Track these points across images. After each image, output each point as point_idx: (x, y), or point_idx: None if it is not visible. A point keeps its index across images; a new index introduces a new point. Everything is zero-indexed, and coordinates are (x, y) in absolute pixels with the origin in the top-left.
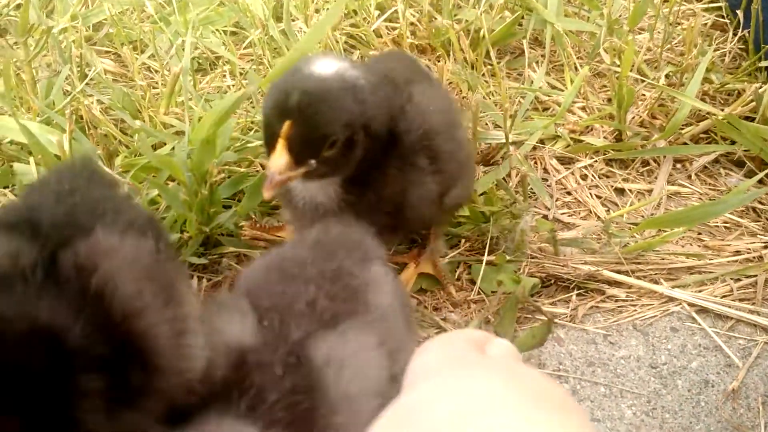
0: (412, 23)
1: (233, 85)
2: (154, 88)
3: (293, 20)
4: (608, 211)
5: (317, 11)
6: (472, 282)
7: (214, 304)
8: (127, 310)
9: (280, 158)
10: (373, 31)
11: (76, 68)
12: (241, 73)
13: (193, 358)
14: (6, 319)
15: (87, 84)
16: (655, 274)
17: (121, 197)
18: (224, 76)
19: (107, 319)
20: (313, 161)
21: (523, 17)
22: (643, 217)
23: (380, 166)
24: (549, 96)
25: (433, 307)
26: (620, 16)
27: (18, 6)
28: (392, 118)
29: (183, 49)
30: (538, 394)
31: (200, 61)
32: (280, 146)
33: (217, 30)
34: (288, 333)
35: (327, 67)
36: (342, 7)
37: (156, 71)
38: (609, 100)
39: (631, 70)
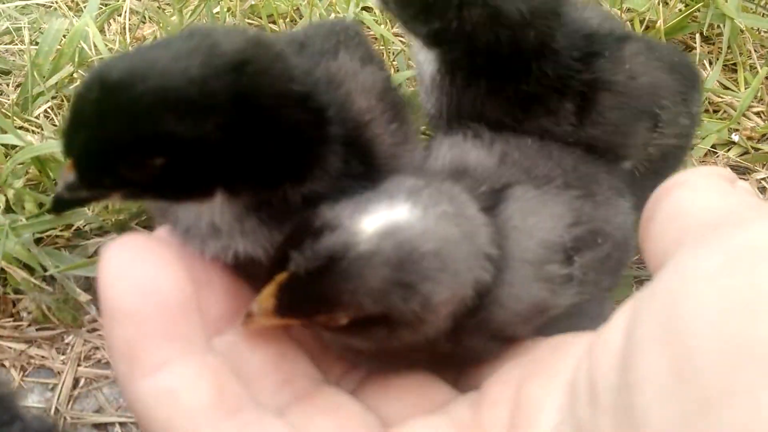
0: None
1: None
2: None
3: None
4: None
5: None
6: None
7: None
8: (360, 120)
9: None
10: None
11: None
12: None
13: (407, 163)
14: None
15: None
16: None
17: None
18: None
19: (346, 123)
20: None
21: (699, 10)
22: None
23: None
24: (722, 97)
25: None
26: None
27: None
28: None
29: None
30: None
31: None
32: None
33: (369, 8)
34: None
35: None
36: None
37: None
38: None
39: None
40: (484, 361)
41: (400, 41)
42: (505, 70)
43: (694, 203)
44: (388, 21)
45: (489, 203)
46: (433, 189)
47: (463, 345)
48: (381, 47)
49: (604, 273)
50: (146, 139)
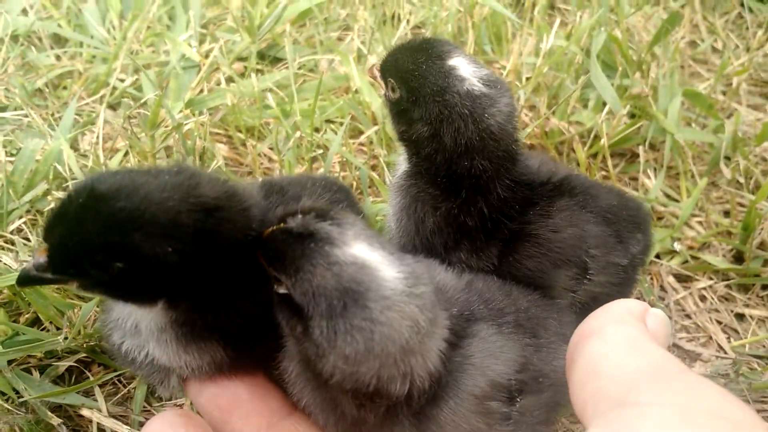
0: (524, 123)
1: (344, 177)
2: (267, 175)
3: None
4: (729, 338)
5: None
6: None
7: None
8: None
9: None
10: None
11: (198, 158)
12: (355, 168)
13: None
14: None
15: None
16: None
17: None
18: (336, 167)
19: None
20: None
21: (642, 125)
22: (765, 347)
23: None
24: (665, 207)
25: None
26: (744, 131)
27: (135, 82)
28: None
29: (300, 145)
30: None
31: (314, 153)
32: None
33: (332, 121)
34: None
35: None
36: None
37: (270, 159)
38: (726, 213)
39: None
40: None
41: (361, 161)
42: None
43: (605, 363)
44: (350, 139)
45: (458, 329)
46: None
47: None
48: (345, 170)
49: (540, 413)
50: (113, 246)
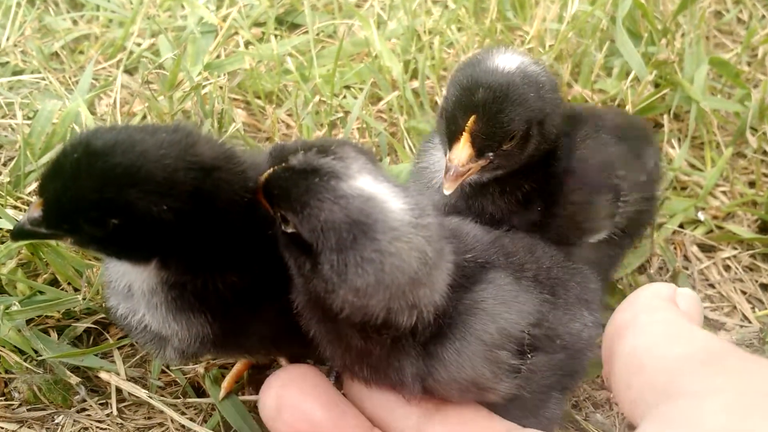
0: None
1: (363, 142)
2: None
3: (426, 79)
4: (753, 308)
5: (445, 68)
6: None
7: None
8: None
9: (463, 151)
10: None
11: (216, 122)
12: (374, 134)
13: None
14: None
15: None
16: None
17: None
18: (355, 133)
19: None
20: (491, 154)
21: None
22: None
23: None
24: (689, 176)
25: (572, 404)
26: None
27: (152, 46)
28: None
29: (319, 110)
30: None
31: (334, 117)
32: (464, 139)
33: (351, 87)
34: None
35: (510, 61)
36: None
37: (288, 125)
38: (752, 183)
39: None
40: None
41: (381, 125)
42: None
43: (647, 355)
44: (369, 104)
45: (469, 274)
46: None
47: (396, 364)
48: (364, 137)
49: (552, 374)
50: (108, 202)
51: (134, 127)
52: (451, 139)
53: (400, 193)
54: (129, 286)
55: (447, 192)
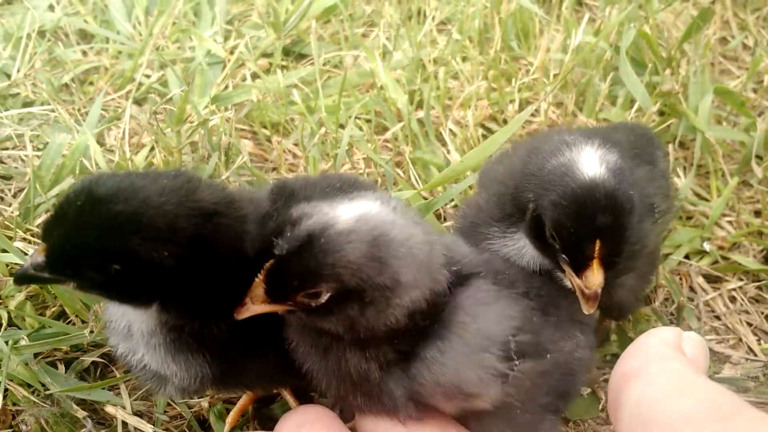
0: (551, 120)
1: (369, 173)
2: (293, 172)
3: (431, 109)
4: (759, 340)
5: (450, 98)
6: None
7: None
8: None
9: (598, 276)
10: None
11: (224, 154)
12: (379, 165)
13: None
14: None
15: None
16: None
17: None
18: (360, 163)
19: None
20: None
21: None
22: None
23: None
24: (695, 205)
25: None
26: None
27: (161, 78)
28: None
29: (325, 141)
30: None
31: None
32: (596, 265)
33: (357, 117)
34: None
35: (594, 162)
36: (505, 135)
37: (294, 155)
38: (757, 213)
39: None
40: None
41: (387, 157)
42: None
43: (655, 409)
44: (375, 134)
45: (456, 280)
46: (402, 203)
47: (387, 388)
48: (370, 167)
49: (541, 389)
50: (111, 249)
51: (136, 173)
52: (577, 265)
53: (378, 199)
54: (128, 326)
55: (589, 312)
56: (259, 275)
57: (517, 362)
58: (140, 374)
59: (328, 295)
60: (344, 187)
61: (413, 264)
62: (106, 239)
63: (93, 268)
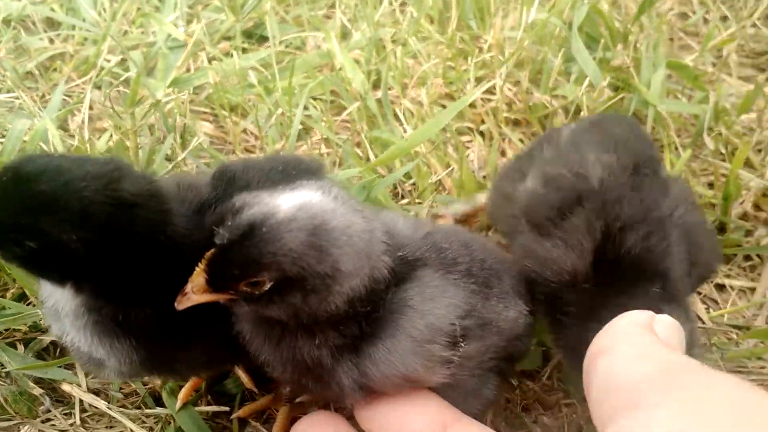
0: (507, 97)
1: (329, 153)
2: (251, 153)
3: (389, 89)
4: (708, 309)
5: (409, 78)
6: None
7: None
8: None
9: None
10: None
11: (179, 136)
12: (337, 144)
13: None
14: None
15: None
16: (759, 384)
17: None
18: (320, 144)
19: None
20: None
21: (624, 97)
22: (744, 317)
23: None
24: None
25: (521, 407)
26: (733, 103)
27: (122, 62)
28: None
29: (283, 122)
30: None
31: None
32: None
33: (314, 98)
34: None
35: None
36: (453, 112)
37: (256, 137)
38: (710, 185)
39: None
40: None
41: (345, 137)
42: None
43: (618, 377)
44: (331, 121)
45: (400, 272)
46: (343, 191)
47: (337, 376)
48: (329, 147)
49: (488, 360)
50: (25, 227)
51: (68, 157)
52: None
53: (319, 189)
54: (55, 306)
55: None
56: (200, 264)
57: (463, 344)
58: (77, 357)
59: (270, 283)
60: (287, 170)
61: (353, 252)
62: (22, 216)
63: (11, 242)
